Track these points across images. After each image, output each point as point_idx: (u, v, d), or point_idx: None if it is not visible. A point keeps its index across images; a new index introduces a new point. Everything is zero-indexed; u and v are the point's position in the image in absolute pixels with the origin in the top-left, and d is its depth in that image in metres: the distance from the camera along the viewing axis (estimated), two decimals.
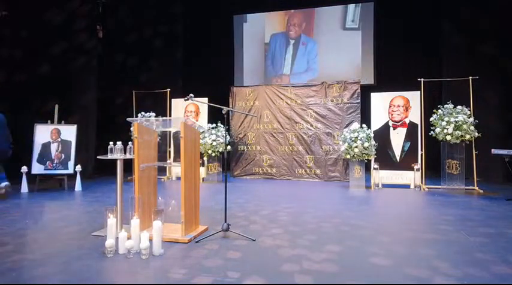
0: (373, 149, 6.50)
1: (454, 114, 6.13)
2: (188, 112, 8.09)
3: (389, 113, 6.76)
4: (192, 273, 2.53)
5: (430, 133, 6.31)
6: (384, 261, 2.77)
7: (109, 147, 3.50)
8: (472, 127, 6.01)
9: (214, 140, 7.31)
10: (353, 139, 6.41)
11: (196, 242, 3.25)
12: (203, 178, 7.56)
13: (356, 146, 6.35)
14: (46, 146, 6.48)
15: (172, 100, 8.12)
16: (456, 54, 7.90)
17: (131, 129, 7.20)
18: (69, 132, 6.65)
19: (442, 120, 6.15)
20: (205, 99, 7.20)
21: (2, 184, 4.50)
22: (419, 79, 6.64)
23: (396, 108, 6.71)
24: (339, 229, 3.72)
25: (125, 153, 3.55)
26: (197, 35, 10.06)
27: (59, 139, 6.59)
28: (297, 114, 7.99)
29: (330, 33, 9.60)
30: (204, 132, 7.33)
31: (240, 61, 10.31)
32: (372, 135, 6.60)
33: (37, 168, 6.35)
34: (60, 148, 6.56)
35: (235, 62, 10.33)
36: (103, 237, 3.09)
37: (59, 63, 7.99)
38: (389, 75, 8.91)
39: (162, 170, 7.90)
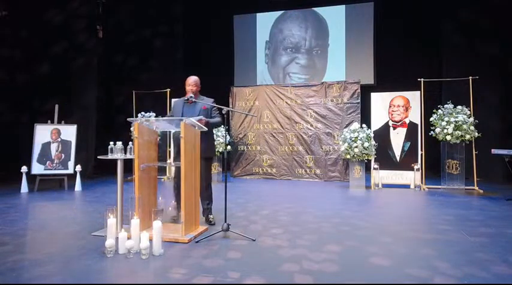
0: (373, 149, 6.50)
1: (454, 114, 6.13)
2: None
3: (389, 113, 6.76)
4: (192, 273, 2.52)
5: (430, 133, 6.30)
6: (384, 261, 2.77)
7: (109, 147, 3.50)
8: (472, 127, 6.01)
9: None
10: (353, 139, 6.41)
11: (196, 242, 3.24)
12: None
13: (356, 146, 6.35)
14: (46, 146, 6.48)
15: (172, 100, 8.11)
16: (456, 54, 7.90)
17: (131, 129, 7.20)
18: (69, 132, 6.65)
19: (442, 120, 6.14)
20: None
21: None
22: (419, 79, 6.64)
23: (396, 108, 6.71)
24: (339, 229, 3.71)
25: (125, 153, 3.55)
26: (197, 35, 10.06)
27: (59, 139, 6.59)
28: (297, 114, 7.99)
29: (330, 33, 9.60)
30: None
31: (240, 61, 10.31)
32: (372, 135, 6.59)
33: (37, 168, 6.35)
34: (60, 148, 6.56)
35: (235, 62, 10.33)
36: (103, 237, 3.09)
37: (59, 63, 7.99)
38: (389, 75, 8.92)
39: (162, 170, 7.90)
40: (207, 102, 3.90)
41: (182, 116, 3.78)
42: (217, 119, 3.89)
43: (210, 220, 3.88)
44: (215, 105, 3.83)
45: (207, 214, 3.92)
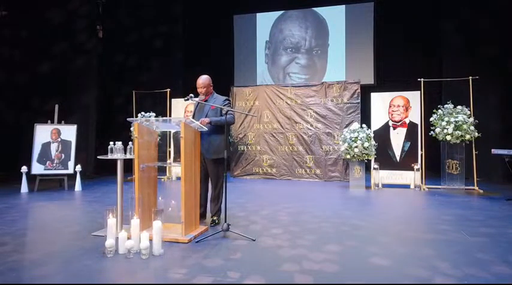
0: (373, 149, 6.49)
1: (454, 114, 6.13)
2: (188, 112, 8.08)
3: (389, 113, 6.76)
4: (192, 273, 2.52)
5: (430, 133, 6.31)
6: (384, 261, 2.77)
7: (109, 147, 3.50)
8: (472, 127, 6.01)
9: None
10: (353, 139, 6.40)
11: (196, 242, 3.24)
12: None
13: (356, 146, 6.35)
14: (46, 146, 6.48)
15: (172, 100, 8.12)
16: (456, 54, 7.91)
17: (131, 129, 7.20)
18: (69, 132, 6.65)
19: (442, 120, 6.15)
20: None
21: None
22: (419, 79, 6.64)
23: (396, 108, 6.71)
24: (339, 229, 3.71)
25: (125, 153, 3.55)
26: (197, 35, 10.05)
27: (59, 139, 6.59)
28: (297, 114, 7.99)
29: (330, 33, 9.60)
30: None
31: (240, 61, 10.31)
32: (372, 135, 6.59)
33: (37, 168, 6.35)
34: (60, 148, 6.56)
35: (235, 62, 10.33)
36: (103, 237, 3.09)
37: (59, 63, 7.99)
38: (389, 75, 8.92)
39: (162, 170, 7.90)
40: (219, 100, 3.89)
41: (194, 116, 3.82)
42: (222, 118, 3.74)
43: (214, 219, 3.87)
44: (218, 105, 3.78)
45: (213, 215, 3.90)
